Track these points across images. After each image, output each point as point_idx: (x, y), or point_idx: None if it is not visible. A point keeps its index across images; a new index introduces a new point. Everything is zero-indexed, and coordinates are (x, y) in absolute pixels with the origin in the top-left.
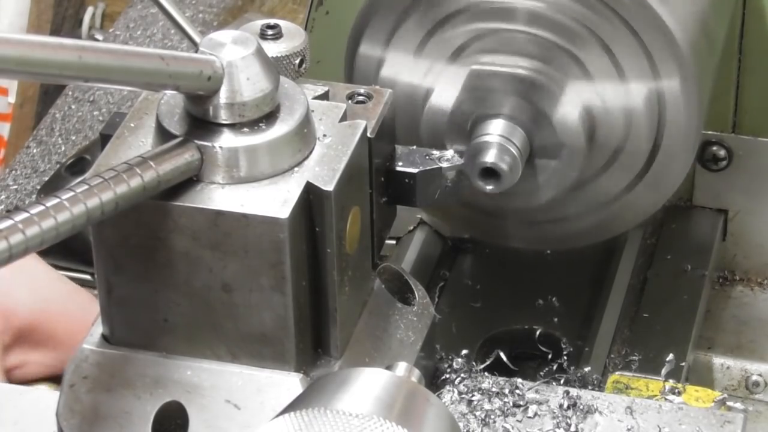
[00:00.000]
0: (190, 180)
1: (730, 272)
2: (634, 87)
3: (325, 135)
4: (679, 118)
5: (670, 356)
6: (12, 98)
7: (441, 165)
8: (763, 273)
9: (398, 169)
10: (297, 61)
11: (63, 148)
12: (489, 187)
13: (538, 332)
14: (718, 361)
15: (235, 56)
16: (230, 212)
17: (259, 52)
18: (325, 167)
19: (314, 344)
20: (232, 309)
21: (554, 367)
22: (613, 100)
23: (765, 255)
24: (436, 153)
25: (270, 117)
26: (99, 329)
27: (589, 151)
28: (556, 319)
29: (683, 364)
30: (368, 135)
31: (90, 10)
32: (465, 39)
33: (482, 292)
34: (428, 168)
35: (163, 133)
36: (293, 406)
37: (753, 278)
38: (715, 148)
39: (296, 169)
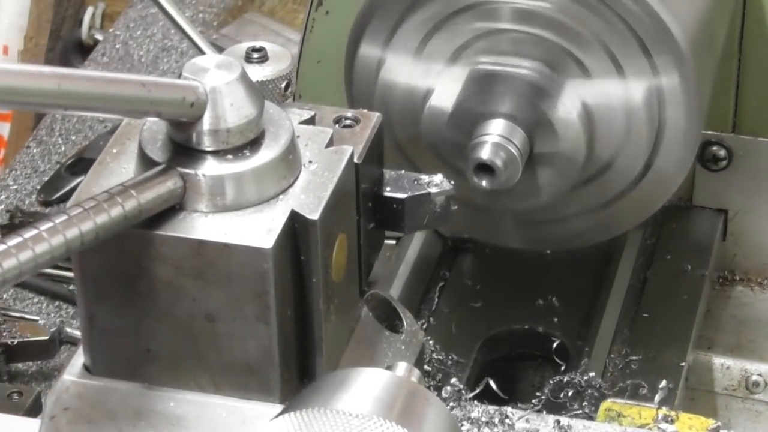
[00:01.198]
0: (173, 208)
1: (730, 272)
2: (634, 86)
3: (311, 161)
4: (679, 118)
5: (663, 383)
6: None
7: (430, 190)
8: (763, 273)
9: (386, 194)
10: (283, 85)
11: (63, 148)
12: (484, 183)
13: (555, 344)
14: (718, 361)
15: (219, 82)
16: (213, 242)
17: (244, 77)
18: (310, 195)
19: (300, 374)
20: (215, 339)
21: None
22: (613, 100)
23: (765, 255)
24: (424, 178)
25: (254, 143)
26: (80, 359)
27: (590, 150)
28: (556, 319)
29: (683, 364)
30: (355, 160)
31: (90, 10)
32: (465, 39)
33: (482, 292)
34: (417, 193)
35: (145, 160)
36: (293, 406)
37: (753, 278)
38: (715, 148)
39: (281, 196)
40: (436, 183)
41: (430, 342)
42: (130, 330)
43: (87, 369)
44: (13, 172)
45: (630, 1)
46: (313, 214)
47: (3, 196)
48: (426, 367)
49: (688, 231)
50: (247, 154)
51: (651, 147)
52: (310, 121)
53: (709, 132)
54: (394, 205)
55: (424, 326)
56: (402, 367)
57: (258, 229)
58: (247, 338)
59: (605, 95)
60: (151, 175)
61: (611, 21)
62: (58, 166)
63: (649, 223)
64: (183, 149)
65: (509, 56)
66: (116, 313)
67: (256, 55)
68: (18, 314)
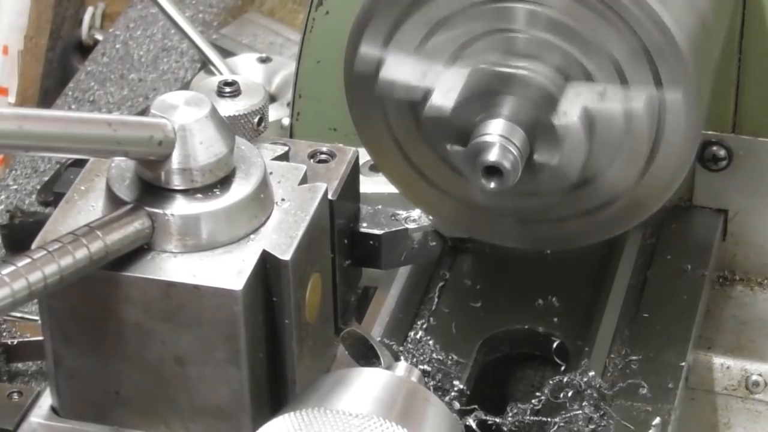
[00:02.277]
0: (141, 248)
1: (730, 272)
2: (634, 87)
3: (283, 199)
4: (679, 118)
5: (657, 419)
6: (12, 98)
7: (407, 226)
8: (763, 273)
9: (362, 230)
10: (255, 120)
11: None
12: (492, 185)
13: (555, 344)
14: (718, 361)
15: (188, 119)
16: (182, 283)
17: (214, 114)
18: (282, 234)
19: (272, 417)
20: (185, 382)
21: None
22: (613, 101)
23: (765, 255)
24: (402, 213)
25: (225, 182)
26: (48, 400)
27: (589, 151)
28: (556, 319)
29: (683, 364)
30: (330, 197)
31: (90, 10)
32: (465, 39)
33: (482, 292)
34: (394, 229)
35: (113, 199)
36: (293, 406)
37: (753, 278)
38: (715, 148)
39: (252, 236)
40: (414, 218)
41: (430, 342)
42: (99, 373)
43: (54, 411)
44: (13, 172)
45: (634, 6)
46: (285, 255)
47: (3, 196)
48: (426, 367)
49: (688, 231)
50: (218, 193)
51: (650, 150)
52: (284, 156)
53: (709, 132)
54: (371, 242)
55: (424, 326)
56: (402, 367)
57: (228, 271)
58: (218, 382)
59: (605, 96)
60: (119, 215)
61: (611, 21)
62: (58, 166)
63: (649, 223)
64: (151, 188)
65: (510, 56)
66: (84, 355)
67: (228, 90)
68: (18, 314)
